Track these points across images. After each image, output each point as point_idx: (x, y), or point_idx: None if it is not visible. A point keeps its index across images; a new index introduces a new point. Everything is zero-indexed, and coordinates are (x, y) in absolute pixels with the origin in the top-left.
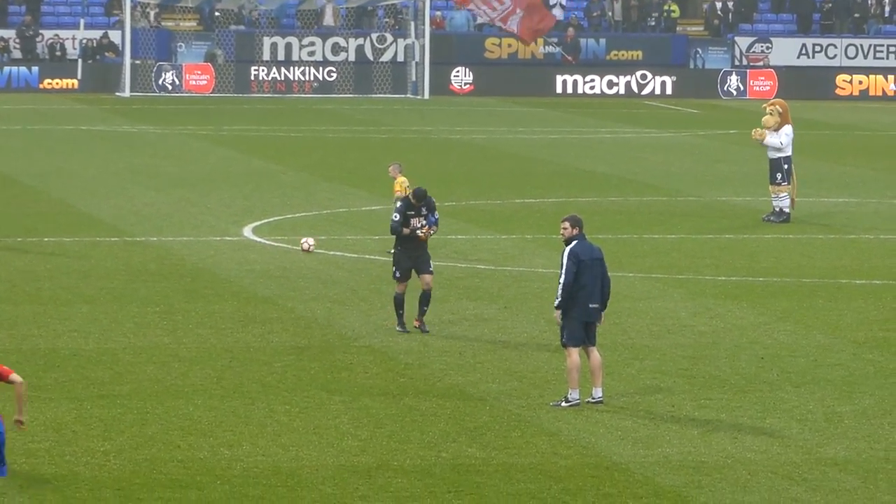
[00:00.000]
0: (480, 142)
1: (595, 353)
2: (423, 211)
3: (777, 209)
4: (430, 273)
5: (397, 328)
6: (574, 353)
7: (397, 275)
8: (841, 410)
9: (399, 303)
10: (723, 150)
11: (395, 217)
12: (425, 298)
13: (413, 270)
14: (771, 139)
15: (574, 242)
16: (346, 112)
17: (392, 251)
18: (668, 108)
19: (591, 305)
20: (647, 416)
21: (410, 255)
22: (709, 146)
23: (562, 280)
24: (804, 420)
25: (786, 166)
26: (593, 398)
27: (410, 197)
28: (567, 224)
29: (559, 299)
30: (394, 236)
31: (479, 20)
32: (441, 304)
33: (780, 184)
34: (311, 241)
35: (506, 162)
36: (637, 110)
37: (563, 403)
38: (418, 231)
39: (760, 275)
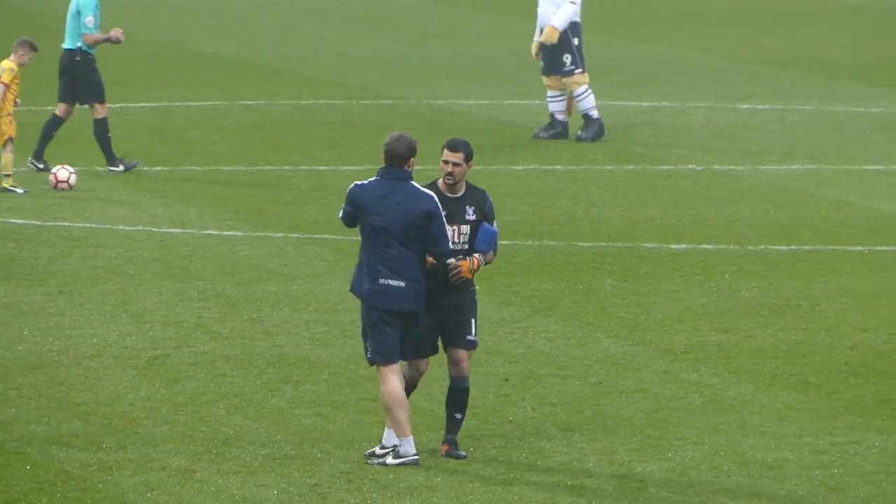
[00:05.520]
0: None
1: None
2: (469, 213)
3: (554, 116)
4: (470, 345)
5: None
6: (391, 378)
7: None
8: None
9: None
10: None
11: None
12: (457, 396)
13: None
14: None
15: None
16: None
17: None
18: None
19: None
20: None
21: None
22: None
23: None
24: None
25: (576, 41)
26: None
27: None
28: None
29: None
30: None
31: None
32: None
33: (567, 72)
34: (63, 172)
35: None
36: None
37: (391, 460)
38: (453, 270)
39: (505, 236)
